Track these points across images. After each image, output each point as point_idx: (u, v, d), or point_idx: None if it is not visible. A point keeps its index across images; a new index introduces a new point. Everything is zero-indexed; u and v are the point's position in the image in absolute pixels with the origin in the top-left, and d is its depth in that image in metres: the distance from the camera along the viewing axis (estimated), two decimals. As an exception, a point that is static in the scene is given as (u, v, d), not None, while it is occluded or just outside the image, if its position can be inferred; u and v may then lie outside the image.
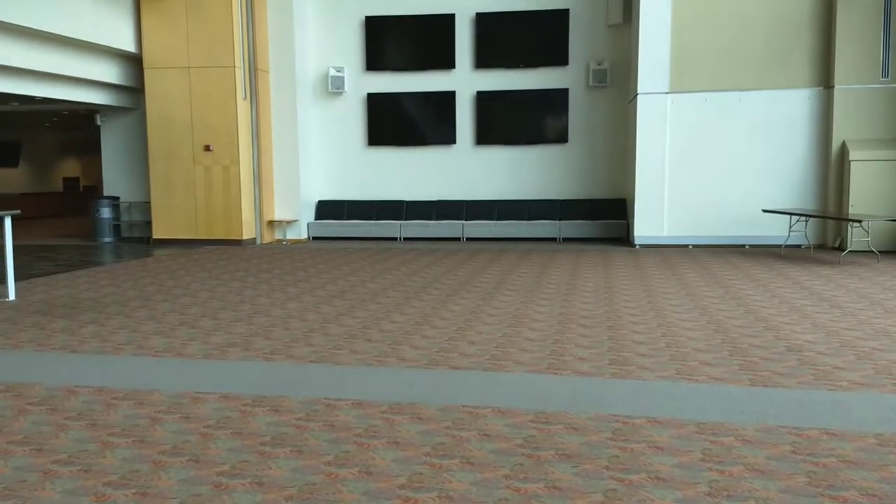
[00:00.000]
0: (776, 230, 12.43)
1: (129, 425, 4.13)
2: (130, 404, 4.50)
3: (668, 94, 12.63)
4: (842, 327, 6.33)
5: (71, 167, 30.33)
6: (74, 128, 24.32)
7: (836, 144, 12.17)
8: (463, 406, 4.33)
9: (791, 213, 11.26)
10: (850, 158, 11.83)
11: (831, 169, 12.27)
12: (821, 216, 11.37)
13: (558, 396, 4.50)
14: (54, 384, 4.95)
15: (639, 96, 12.66)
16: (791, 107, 12.44)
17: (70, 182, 29.89)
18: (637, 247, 12.88)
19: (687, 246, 12.76)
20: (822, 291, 8.17)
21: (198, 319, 7.09)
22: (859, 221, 10.17)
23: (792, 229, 11.68)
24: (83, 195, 27.24)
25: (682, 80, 12.58)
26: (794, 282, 8.87)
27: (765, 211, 11.91)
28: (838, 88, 12.08)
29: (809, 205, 12.48)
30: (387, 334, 6.29)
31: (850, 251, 11.10)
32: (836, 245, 12.17)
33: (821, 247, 12.34)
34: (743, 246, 12.64)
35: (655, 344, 5.77)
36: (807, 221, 11.76)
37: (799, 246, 12.31)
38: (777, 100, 12.45)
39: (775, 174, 12.54)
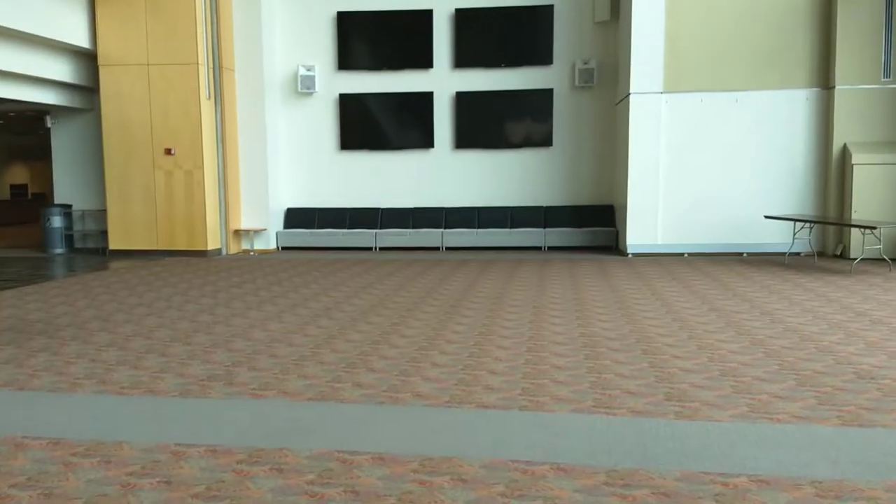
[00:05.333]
0: (775, 237, 11.87)
1: (93, 495, 3.24)
2: (94, 463, 3.60)
3: (663, 94, 11.99)
4: (901, 348, 5.67)
5: (18, 173, 28.81)
6: (22, 131, 22.92)
7: (836, 147, 11.65)
8: (512, 461, 3.52)
9: (796, 220, 10.69)
10: (853, 162, 11.31)
11: (832, 173, 11.75)
12: (829, 223, 10.83)
13: (626, 445, 3.72)
14: (-3, 435, 4.03)
15: (631, 96, 12.01)
16: (789, 108, 11.90)
17: (18, 189, 28.37)
18: (630, 255, 12.21)
19: (682, 254, 12.13)
20: (853, 304, 7.53)
21: (168, 345, 6.17)
22: (874, 228, 9.62)
23: (796, 236, 11.11)
24: (32, 203, 25.77)
25: (677, 80, 11.96)
26: (817, 294, 8.24)
27: (767, 217, 11.32)
28: (838, 89, 11.56)
29: (808, 210, 11.94)
30: (391, 362, 5.45)
31: (861, 259, 10.50)
32: (839, 253, 11.63)
33: (821, 254, 11.78)
34: (741, 254, 12.04)
35: (707, 372, 5.02)
36: (811, 228, 11.20)
37: (798, 253, 11.75)
38: (775, 101, 11.89)
39: (773, 178, 11.98)
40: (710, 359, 5.38)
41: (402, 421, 4.17)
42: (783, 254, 11.70)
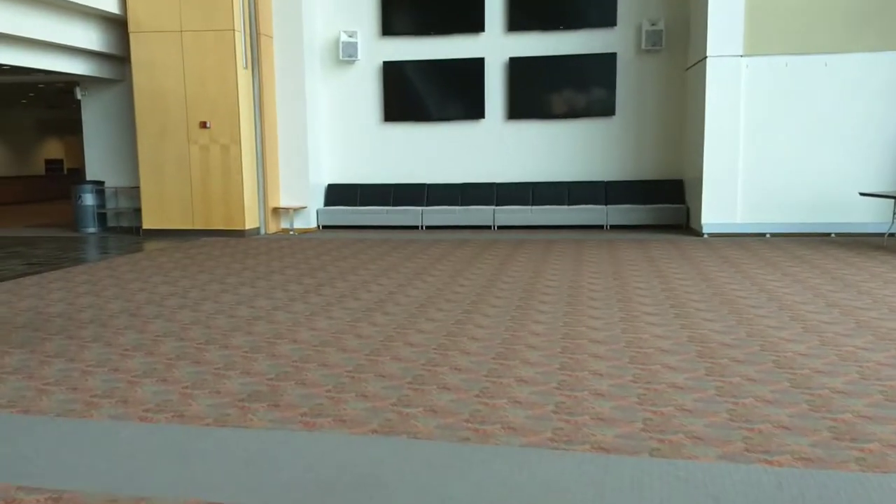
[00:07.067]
0: (868, 216, 10.71)
1: None
2: (104, 534, 2.72)
3: (743, 58, 10.80)
4: None
5: (53, 148, 28.35)
6: (55, 104, 22.33)
7: (940, 116, 10.40)
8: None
9: (900, 197, 9.52)
10: (961, 132, 10.07)
11: (934, 144, 10.51)
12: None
13: (814, 520, 2.74)
14: (-13, 484, 3.17)
15: (708, 60, 10.83)
16: (886, 72, 10.64)
17: (53, 164, 27.92)
18: (705, 235, 11.11)
19: (764, 234, 11.00)
20: None
21: (202, 349, 5.30)
22: None
23: (897, 216, 9.96)
24: (67, 178, 25.25)
25: (759, 42, 10.76)
26: (943, 285, 7.12)
27: (863, 195, 10.14)
28: (944, 50, 10.30)
29: (906, 186, 10.74)
30: (466, 377, 4.51)
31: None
32: (940, 233, 10.43)
33: (918, 235, 10.58)
34: (828, 234, 10.89)
35: (867, 395, 4.01)
36: (915, 207, 10.02)
37: (894, 234, 10.54)
38: (869, 64, 10.64)
39: (867, 151, 10.77)
40: (860, 375, 4.36)
41: (499, 469, 3.22)
42: (876, 234, 10.53)
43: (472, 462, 3.29)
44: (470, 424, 3.72)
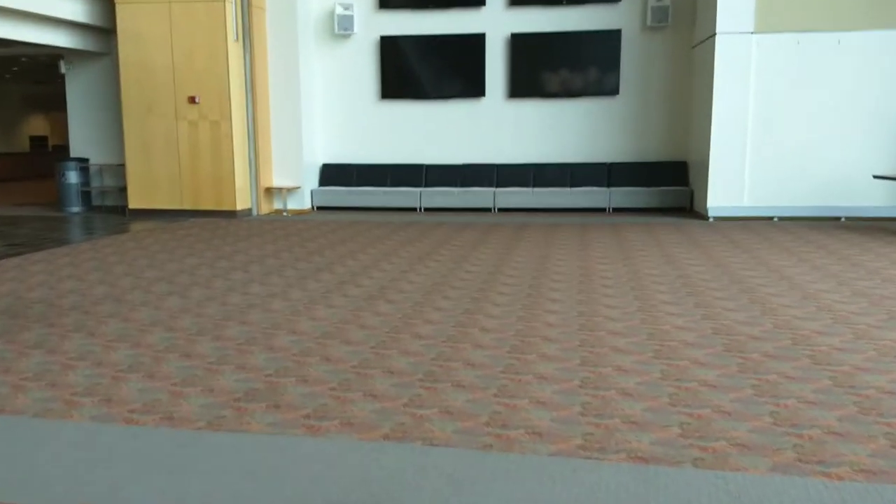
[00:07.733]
0: (879, 199, 10.42)
1: None
2: (83, 562, 2.37)
3: (753, 35, 10.43)
4: None
5: (38, 124, 27.71)
6: (40, 79, 21.72)
7: (956, 96, 10.08)
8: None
9: (916, 181, 9.21)
10: (978, 113, 9.75)
11: (949, 126, 10.20)
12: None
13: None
14: (-48, 499, 2.81)
15: (717, 37, 10.45)
16: (902, 51, 10.31)
17: (37, 141, 27.29)
18: (711, 219, 10.78)
19: (771, 218, 10.69)
20: None
21: (193, 339, 4.94)
22: None
23: (911, 199, 9.66)
24: (52, 156, 24.65)
25: (771, 18, 10.38)
26: (969, 272, 6.83)
27: (877, 177, 9.83)
28: (962, 28, 9.96)
29: (919, 169, 10.43)
30: (481, 373, 4.17)
31: None
32: (954, 218, 10.16)
33: (931, 219, 10.30)
34: (838, 218, 10.58)
35: (921, 398, 3.70)
36: (930, 190, 9.72)
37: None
38: (885, 42, 10.29)
39: (880, 132, 10.44)
40: (908, 374, 4.04)
41: (528, 482, 2.89)
42: (889, 219, 10.25)
43: (497, 473, 2.96)
44: (491, 429, 3.39)
